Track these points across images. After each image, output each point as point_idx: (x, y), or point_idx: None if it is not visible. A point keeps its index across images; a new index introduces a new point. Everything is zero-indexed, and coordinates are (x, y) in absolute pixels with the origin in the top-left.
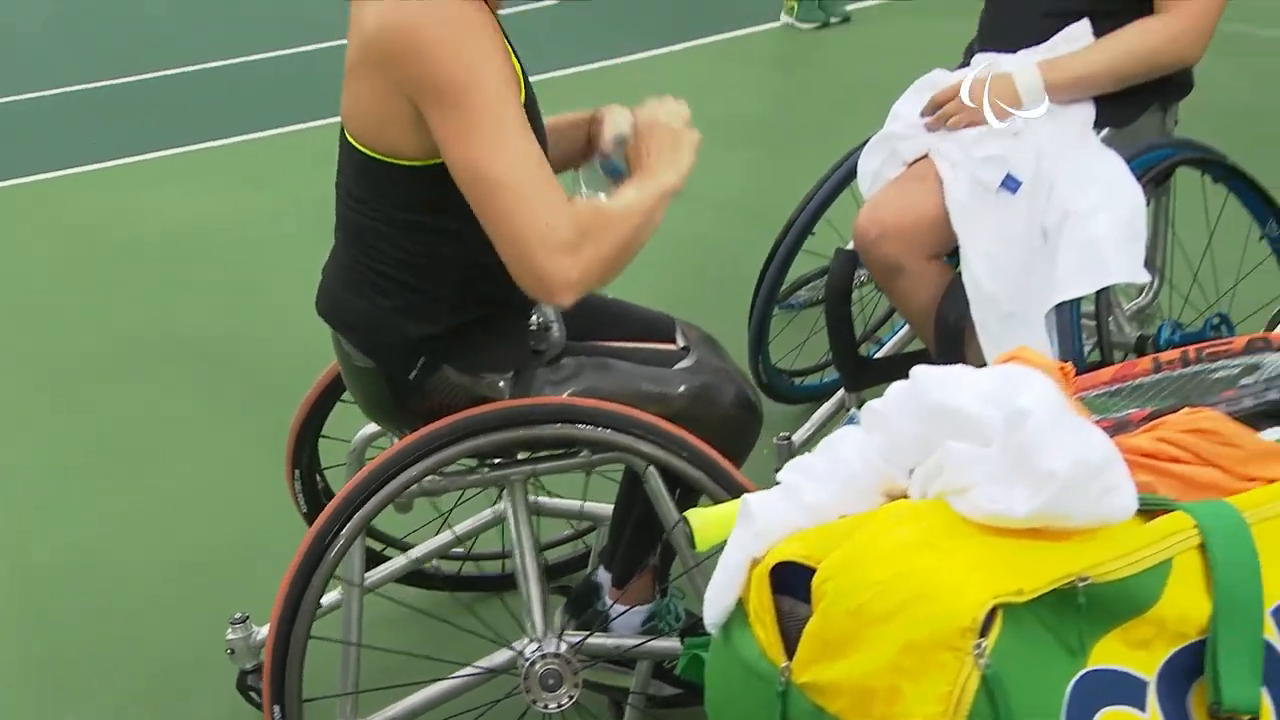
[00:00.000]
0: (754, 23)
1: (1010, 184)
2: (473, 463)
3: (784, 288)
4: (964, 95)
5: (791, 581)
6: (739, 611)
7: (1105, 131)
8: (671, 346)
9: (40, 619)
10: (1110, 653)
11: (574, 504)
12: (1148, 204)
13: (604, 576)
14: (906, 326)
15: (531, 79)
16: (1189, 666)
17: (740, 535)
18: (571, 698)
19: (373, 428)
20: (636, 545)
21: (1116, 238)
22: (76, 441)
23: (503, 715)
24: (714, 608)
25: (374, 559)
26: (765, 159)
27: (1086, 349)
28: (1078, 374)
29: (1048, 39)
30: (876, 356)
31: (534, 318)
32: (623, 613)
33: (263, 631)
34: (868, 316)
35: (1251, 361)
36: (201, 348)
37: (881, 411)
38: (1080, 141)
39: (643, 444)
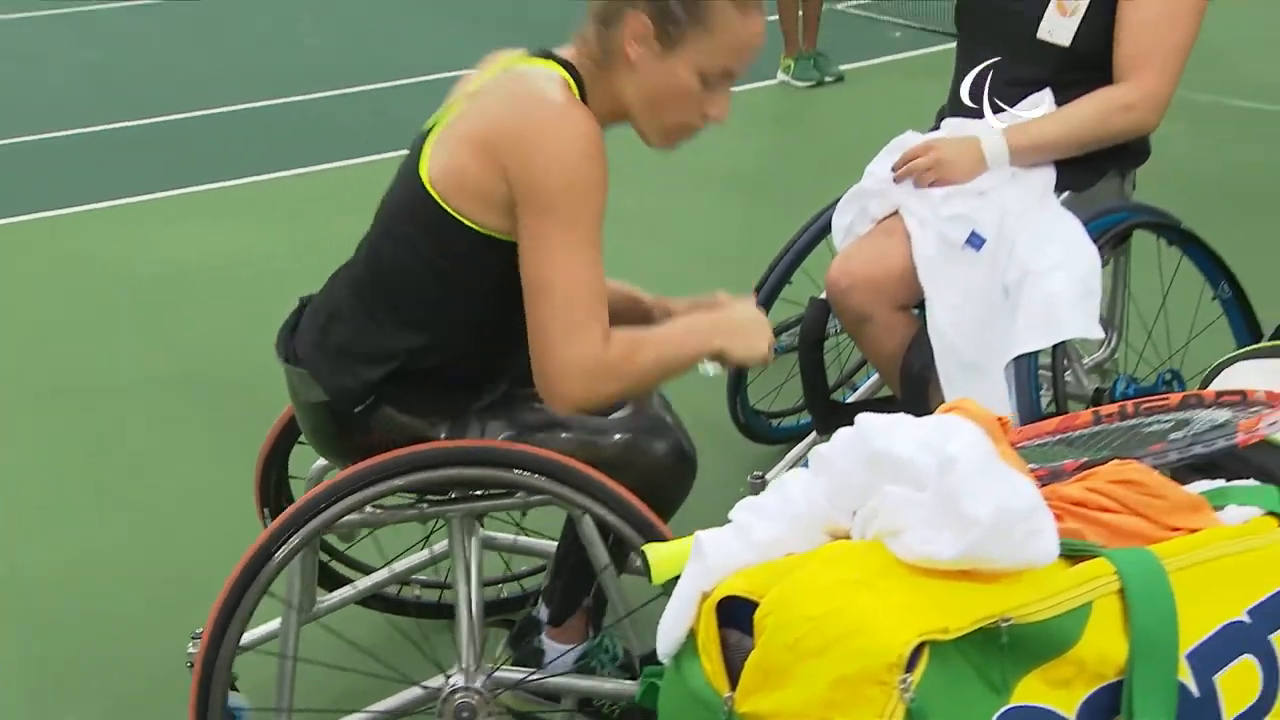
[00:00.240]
0: (751, 80)
1: (975, 241)
2: (413, 498)
3: None
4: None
5: (739, 615)
6: (690, 642)
7: (1065, 195)
8: None
9: (38, 622)
10: (1032, 691)
11: (533, 542)
12: (1106, 264)
13: (544, 613)
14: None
15: None
16: (1107, 706)
17: (692, 570)
18: None
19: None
20: (573, 585)
21: (1072, 295)
22: (80, 454)
23: None
24: (667, 639)
25: (338, 580)
26: (756, 210)
27: (1044, 400)
28: (1037, 421)
29: (1012, 106)
30: (849, 401)
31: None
32: (557, 650)
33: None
34: (844, 362)
35: (1183, 417)
36: (208, 374)
37: (828, 456)
38: (1041, 204)
39: (567, 489)
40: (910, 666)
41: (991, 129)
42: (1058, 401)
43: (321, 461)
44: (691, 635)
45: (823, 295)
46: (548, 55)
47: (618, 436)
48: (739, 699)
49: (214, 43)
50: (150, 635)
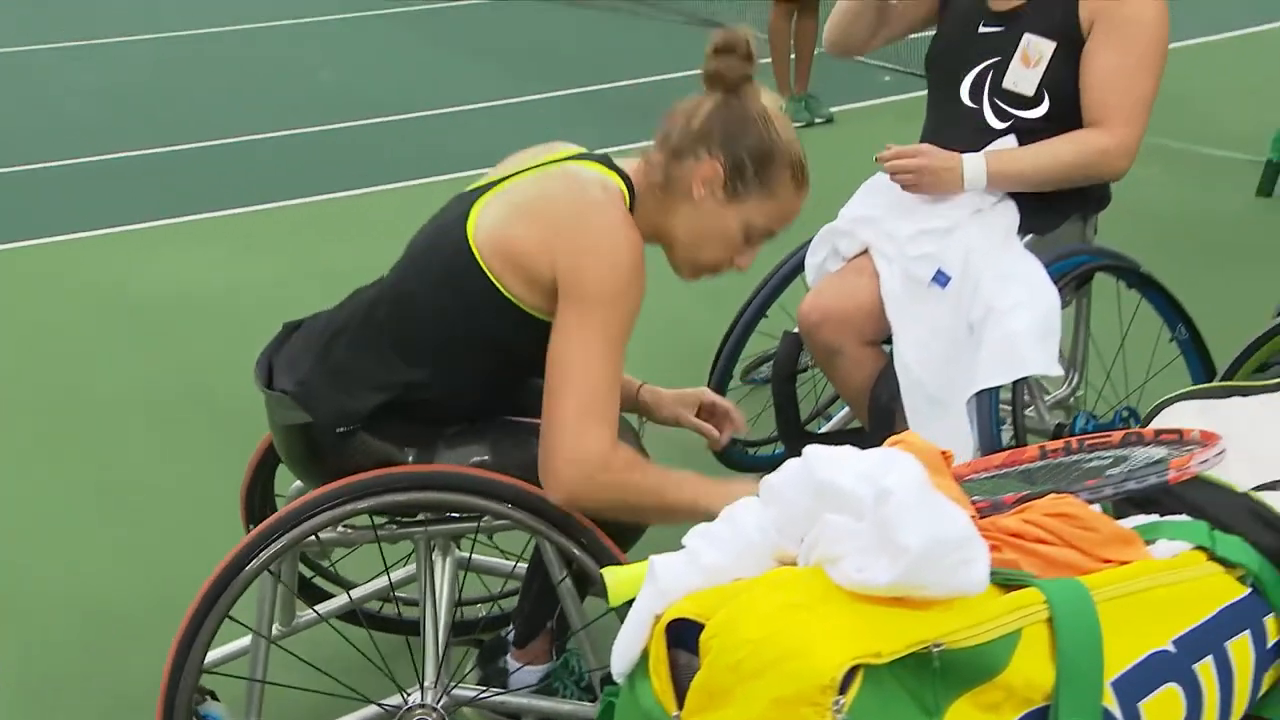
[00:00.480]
0: None
1: (940, 279)
2: (383, 519)
3: (748, 364)
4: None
5: (688, 637)
6: (643, 662)
7: (1029, 237)
8: None
9: (36, 629)
10: (963, 714)
11: (505, 564)
12: (1067, 305)
13: (513, 634)
14: None
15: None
16: None
17: (646, 592)
18: None
19: None
20: (538, 607)
21: (1033, 334)
22: (80, 468)
23: None
24: (620, 659)
25: (319, 596)
26: None
27: (1005, 435)
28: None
29: (979, 149)
30: (821, 431)
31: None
32: (519, 670)
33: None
34: (819, 394)
35: (1122, 454)
36: (207, 394)
37: (776, 486)
38: (1005, 244)
39: (525, 515)
40: (844, 689)
41: (972, 156)
42: (1018, 436)
43: (299, 483)
44: (645, 655)
45: (796, 329)
46: (609, 164)
47: None
48: (685, 718)
49: (220, 74)
50: (147, 641)
